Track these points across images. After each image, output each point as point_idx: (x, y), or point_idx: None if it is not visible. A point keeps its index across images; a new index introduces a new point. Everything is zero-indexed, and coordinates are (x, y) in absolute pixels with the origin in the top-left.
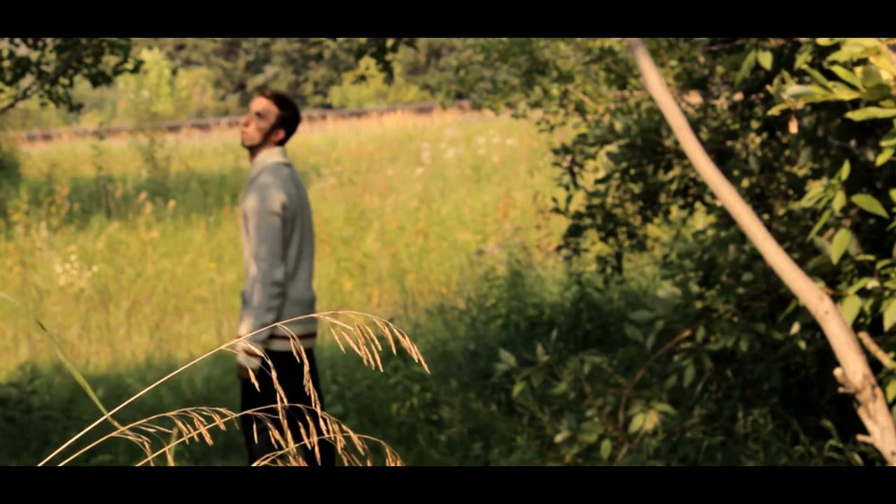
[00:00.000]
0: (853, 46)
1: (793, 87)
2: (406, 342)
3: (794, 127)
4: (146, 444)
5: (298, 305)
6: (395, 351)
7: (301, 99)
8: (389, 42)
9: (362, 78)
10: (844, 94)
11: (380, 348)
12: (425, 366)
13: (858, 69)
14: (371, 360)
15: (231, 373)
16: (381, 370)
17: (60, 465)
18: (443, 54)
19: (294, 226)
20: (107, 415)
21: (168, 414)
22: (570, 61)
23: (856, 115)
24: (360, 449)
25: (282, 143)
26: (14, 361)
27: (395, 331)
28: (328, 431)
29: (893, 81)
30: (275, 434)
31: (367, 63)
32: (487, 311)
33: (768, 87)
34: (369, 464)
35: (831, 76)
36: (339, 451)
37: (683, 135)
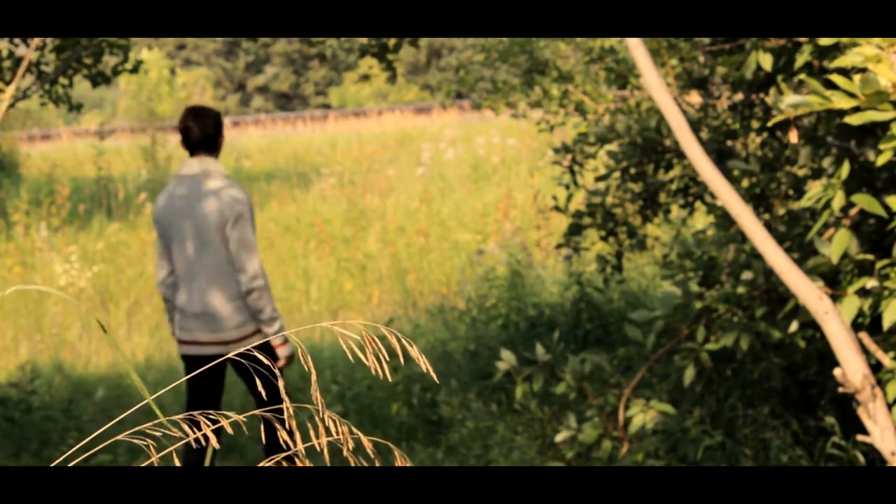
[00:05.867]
0: (854, 55)
1: (791, 98)
2: (414, 351)
3: (793, 136)
4: (152, 447)
5: (182, 314)
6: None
7: (301, 99)
8: (391, 42)
9: (366, 77)
10: (843, 103)
11: (388, 358)
12: (432, 372)
13: (857, 77)
14: (378, 369)
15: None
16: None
17: (55, 463)
18: (443, 54)
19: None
20: (148, 398)
21: (175, 417)
22: (570, 61)
23: (854, 119)
24: (369, 451)
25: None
26: (14, 361)
27: (403, 340)
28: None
29: (892, 88)
30: (282, 434)
31: (370, 62)
32: (487, 311)
33: (766, 98)
34: (377, 464)
35: (829, 83)
36: (346, 452)
37: (683, 135)
